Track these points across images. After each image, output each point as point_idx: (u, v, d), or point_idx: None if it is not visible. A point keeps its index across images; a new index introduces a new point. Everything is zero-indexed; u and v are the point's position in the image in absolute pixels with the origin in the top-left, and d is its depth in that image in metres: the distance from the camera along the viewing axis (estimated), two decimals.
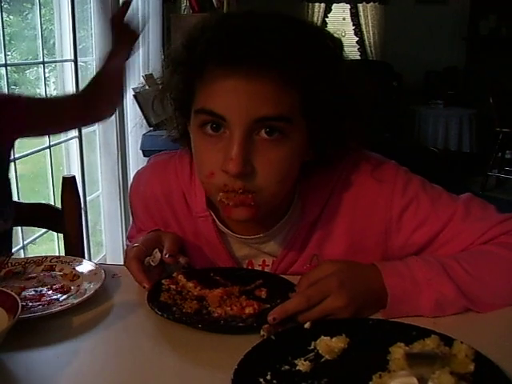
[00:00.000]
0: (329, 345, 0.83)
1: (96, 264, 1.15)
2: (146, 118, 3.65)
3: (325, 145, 1.03)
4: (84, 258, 1.44)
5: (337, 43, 1.02)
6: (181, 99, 1.04)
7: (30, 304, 1.00)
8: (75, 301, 1.00)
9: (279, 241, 1.15)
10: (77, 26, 3.19)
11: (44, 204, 1.74)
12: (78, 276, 1.11)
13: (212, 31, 0.96)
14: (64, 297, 1.04)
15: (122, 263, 1.13)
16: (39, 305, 1.00)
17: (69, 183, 1.61)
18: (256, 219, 1.03)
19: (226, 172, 0.95)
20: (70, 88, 3.25)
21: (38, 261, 1.18)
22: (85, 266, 1.15)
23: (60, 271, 1.14)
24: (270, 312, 0.91)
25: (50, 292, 1.06)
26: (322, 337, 0.85)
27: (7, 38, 2.85)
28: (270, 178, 0.97)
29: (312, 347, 0.84)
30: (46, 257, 1.19)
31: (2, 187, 1.43)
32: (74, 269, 1.14)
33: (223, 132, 0.96)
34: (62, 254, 1.63)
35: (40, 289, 1.07)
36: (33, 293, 1.05)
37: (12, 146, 1.54)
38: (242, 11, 1.00)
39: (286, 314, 0.91)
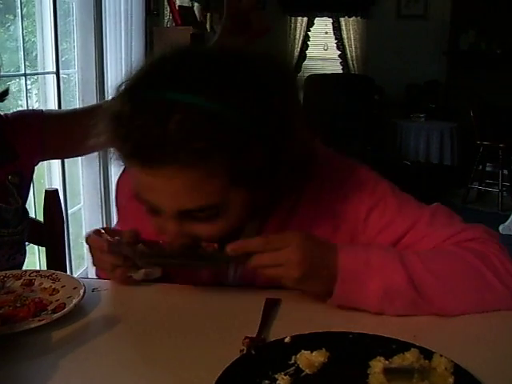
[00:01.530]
0: (309, 359, 0.83)
1: (76, 278, 1.14)
2: None
3: (272, 191, 1.02)
4: (66, 271, 1.43)
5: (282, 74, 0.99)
6: None
7: (9, 319, 0.99)
8: (54, 315, 0.99)
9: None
10: (59, 38, 3.18)
11: None
12: (57, 290, 1.10)
13: (125, 129, 0.90)
14: (43, 311, 1.02)
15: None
16: (18, 320, 0.99)
17: (52, 197, 1.60)
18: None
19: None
20: (52, 100, 3.24)
21: (17, 275, 1.17)
22: (64, 280, 1.14)
23: (39, 285, 1.13)
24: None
25: (29, 307, 1.04)
26: (303, 351, 0.85)
27: None
28: (213, 239, 1.01)
29: (292, 361, 0.84)
30: (25, 271, 1.18)
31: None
32: (54, 283, 1.13)
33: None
34: (44, 267, 1.62)
35: (19, 303, 1.06)
36: (11, 308, 1.04)
37: (33, 170, 1.51)
38: (160, 94, 0.90)
39: (244, 249, 0.95)
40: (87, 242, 1.12)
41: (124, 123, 0.90)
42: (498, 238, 1.12)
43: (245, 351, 0.87)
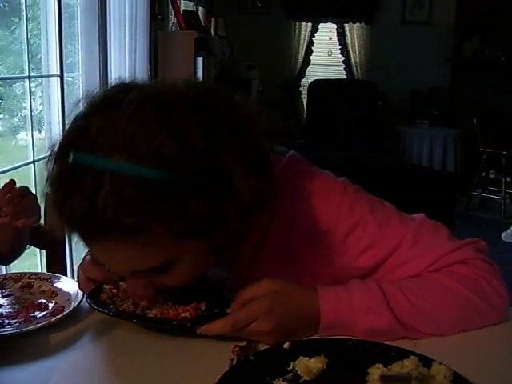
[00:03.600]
0: (307, 365, 0.83)
1: (75, 281, 1.14)
2: None
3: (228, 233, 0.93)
4: (66, 274, 1.43)
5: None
6: None
7: (7, 321, 0.99)
8: (53, 318, 0.99)
9: (225, 265, 1.13)
10: (64, 41, 3.19)
11: None
12: (56, 293, 1.10)
13: (57, 204, 0.87)
14: (41, 314, 1.02)
15: None
16: (16, 322, 0.99)
17: None
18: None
19: None
20: (56, 103, 3.25)
21: (16, 277, 1.17)
22: (63, 283, 1.14)
23: (38, 288, 1.13)
24: (203, 323, 0.93)
25: (27, 309, 1.04)
26: (301, 357, 0.84)
27: None
28: (179, 286, 0.97)
29: (290, 368, 0.84)
30: (25, 273, 1.18)
31: None
32: (53, 286, 1.13)
33: None
34: (45, 269, 1.62)
35: (17, 306, 1.06)
36: (10, 310, 1.04)
37: None
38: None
39: (211, 333, 0.92)
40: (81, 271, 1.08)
41: (56, 197, 0.87)
42: (487, 252, 1.07)
43: (235, 360, 0.86)
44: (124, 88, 0.90)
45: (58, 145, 0.89)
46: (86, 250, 1.05)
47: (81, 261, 1.09)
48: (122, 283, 1.05)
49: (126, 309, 1.00)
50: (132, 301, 1.02)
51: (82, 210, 0.82)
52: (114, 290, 1.04)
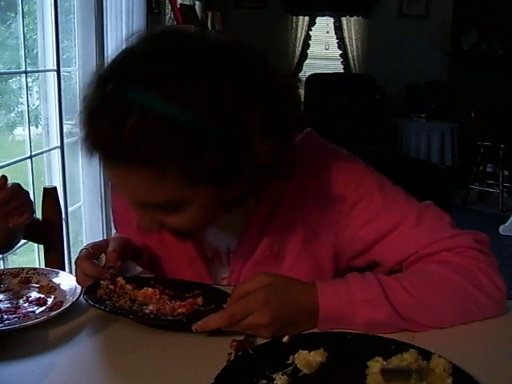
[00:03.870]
0: (307, 359, 0.83)
1: (73, 276, 1.14)
2: None
3: (241, 184, 0.96)
4: (64, 269, 1.43)
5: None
6: None
7: (6, 317, 0.99)
8: (51, 313, 0.99)
9: (244, 222, 1.15)
10: (60, 35, 3.17)
11: None
12: (54, 288, 1.10)
13: (87, 125, 0.92)
14: (40, 309, 1.02)
15: None
16: (15, 317, 0.99)
17: (49, 194, 1.60)
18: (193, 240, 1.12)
19: None
20: (53, 98, 3.24)
21: (15, 273, 1.16)
22: (62, 278, 1.14)
23: (36, 283, 1.13)
24: (199, 318, 0.93)
25: (26, 304, 1.04)
26: (301, 351, 0.84)
27: None
28: (181, 229, 1.01)
29: (290, 361, 0.84)
30: (23, 268, 1.18)
31: None
32: (51, 281, 1.13)
33: None
34: (43, 264, 1.61)
35: (16, 301, 1.06)
36: (8, 305, 1.04)
37: None
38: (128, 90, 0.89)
39: (207, 328, 0.92)
40: (76, 266, 1.09)
41: (87, 119, 0.92)
42: (487, 244, 1.09)
43: (233, 355, 0.86)
44: (168, 34, 0.95)
45: (98, 74, 0.94)
46: (84, 245, 1.06)
47: (78, 255, 1.09)
48: (119, 279, 1.05)
49: (122, 305, 1.00)
50: (129, 296, 1.03)
51: (108, 133, 0.87)
52: (111, 286, 1.04)
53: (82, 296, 1.04)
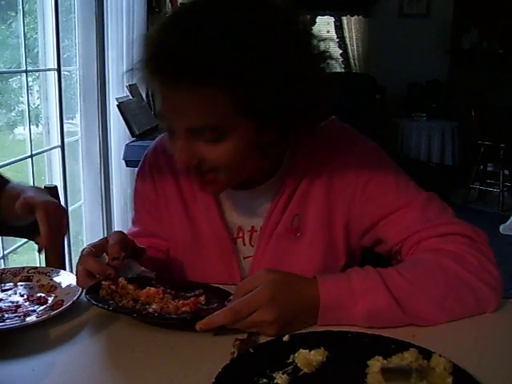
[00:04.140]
0: (307, 358, 0.83)
1: (74, 275, 1.14)
2: (129, 127, 3.64)
3: (279, 126, 1.07)
4: (65, 268, 1.43)
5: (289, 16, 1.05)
6: None
7: (6, 315, 0.99)
8: (52, 312, 0.99)
9: (268, 198, 1.22)
10: (61, 35, 3.17)
11: None
12: (55, 287, 1.10)
13: (146, 43, 1.01)
14: (41, 308, 1.02)
15: None
16: (15, 316, 0.99)
17: (50, 193, 1.59)
18: (221, 192, 1.19)
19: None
20: (53, 97, 3.24)
21: (15, 272, 1.17)
22: (62, 277, 1.14)
23: (37, 282, 1.13)
24: (203, 316, 0.93)
25: (26, 303, 1.05)
26: (301, 350, 0.84)
27: None
28: (219, 166, 1.06)
29: (290, 360, 0.84)
30: (23, 267, 1.18)
31: None
32: (52, 280, 1.13)
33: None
34: (43, 264, 1.61)
35: (17, 300, 1.06)
36: (9, 304, 1.04)
37: None
38: (179, 14, 1.04)
39: (212, 326, 0.93)
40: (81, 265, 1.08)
41: (147, 41, 1.01)
42: (485, 238, 1.13)
43: (235, 353, 0.86)
44: None
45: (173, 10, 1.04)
46: (85, 245, 1.06)
47: (79, 255, 1.09)
48: (120, 279, 1.05)
49: (125, 304, 1.01)
50: (131, 296, 1.03)
51: (177, 49, 0.96)
52: (112, 287, 1.04)
53: (83, 296, 1.04)
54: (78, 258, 1.08)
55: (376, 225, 1.17)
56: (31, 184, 3.06)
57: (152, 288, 1.04)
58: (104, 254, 1.10)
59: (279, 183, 1.21)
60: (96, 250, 1.09)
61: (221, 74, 0.96)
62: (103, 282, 1.04)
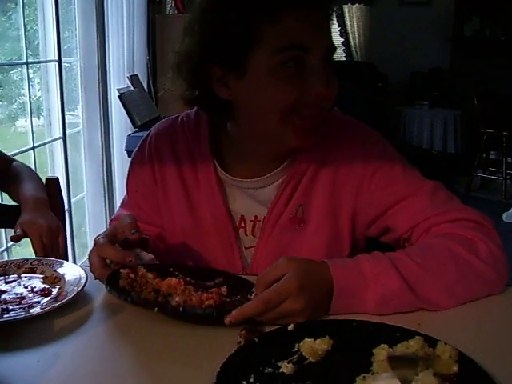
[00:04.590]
0: (312, 347, 0.83)
1: (78, 266, 1.14)
2: (130, 118, 3.64)
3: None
4: (68, 260, 1.43)
5: None
6: (232, 49, 1.07)
7: (11, 307, 0.99)
8: (56, 304, 0.99)
9: (273, 188, 1.22)
10: (61, 26, 3.17)
11: None
12: (59, 278, 1.10)
13: None
14: (45, 300, 1.02)
15: None
16: (20, 308, 0.99)
17: (52, 185, 1.60)
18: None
19: (315, 96, 1.06)
20: (54, 89, 3.23)
21: (19, 263, 1.16)
22: (66, 269, 1.14)
23: (41, 274, 1.13)
24: (228, 310, 0.92)
25: (30, 295, 1.04)
26: (306, 339, 0.84)
27: None
28: (332, 102, 1.11)
29: (296, 349, 0.84)
30: (27, 259, 1.18)
31: None
32: (55, 271, 1.13)
33: (302, 66, 1.06)
34: None
35: (21, 292, 1.06)
36: (13, 296, 1.04)
37: None
38: None
39: (242, 317, 0.92)
40: (97, 254, 1.07)
41: None
42: (492, 224, 1.14)
43: (242, 343, 0.86)
44: None
45: None
46: (88, 237, 1.05)
47: (92, 247, 1.08)
48: (139, 267, 1.04)
49: (147, 296, 0.99)
50: (152, 286, 1.01)
51: None
52: (131, 275, 1.02)
53: (86, 286, 1.04)
54: (83, 249, 1.07)
55: (384, 214, 1.18)
56: None
57: (173, 278, 1.02)
58: (116, 245, 1.09)
59: (284, 173, 1.21)
60: (109, 239, 1.08)
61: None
62: (121, 271, 1.03)
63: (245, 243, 1.25)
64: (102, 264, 1.05)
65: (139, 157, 1.31)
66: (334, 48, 1.10)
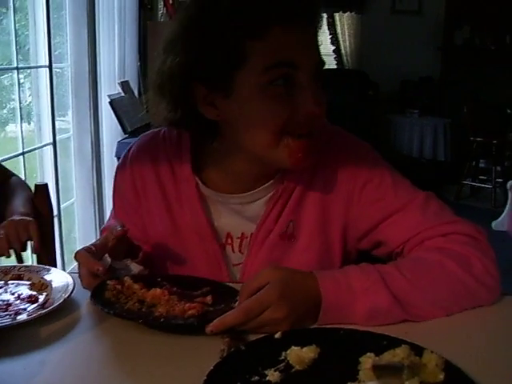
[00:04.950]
0: (299, 355, 0.83)
1: (65, 273, 1.14)
2: (121, 124, 3.63)
3: None
4: (56, 266, 1.43)
5: None
6: (217, 68, 1.03)
7: None
8: (43, 311, 0.98)
9: (261, 204, 1.18)
10: (52, 31, 3.16)
11: None
12: (46, 285, 1.10)
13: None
14: (32, 306, 1.02)
15: None
16: (6, 315, 0.98)
17: (41, 191, 1.60)
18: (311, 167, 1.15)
19: (305, 115, 1.03)
20: (45, 94, 3.22)
21: (6, 270, 1.16)
22: (53, 275, 1.13)
23: (28, 280, 1.13)
24: (210, 319, 0.92)
25: (17, 302, 1.04)
26: (293, 347, 0.84)
27: None
28: (322, 119, 1.08)
29: (282, 357, 0.84)
30: (14, 266, 1.18)
31: None
32: (43, 278, 1.12)
33: (291, 84, 1.03)
34: (35, 261, 1.61)
35: (7, 298, 1.05)
36: (0, 303, 1.03)
37: None
38: None
39: (224, 326, 0.91)
40: (76, 259, 1.07)
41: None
42: (487, 237, 1.12)
43: (225, 351, 0.86)
44: None
45: None
46: (77, 242, 1.05)
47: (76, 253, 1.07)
48: (126, 278, 1.05)
49: (131, 307, 0.99)
50: (137, 297, 1.01)
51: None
52: (118, 286, 1.03)
53: (74, 293, 1.04)
54: (72, 255, 1.07)
55: (375, 228, 1.16)
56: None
57: (158, 289, 1.02)
58: (106, 255, 1.09)
59: (272, 188, 1.18)
60: (95, 248, 1.07)
61: (319, 15, 1.10)
62: (108, 282, 1.03)
63: (232, 260, 1.22)
64: (89, 273, 1.05)
65: (121, 173, 1.27)
66: (322, 63, 1.08)
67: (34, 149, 3.25)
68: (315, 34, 1.09)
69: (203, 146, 1.18)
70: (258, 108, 1.03)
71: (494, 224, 4.96)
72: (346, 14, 6.73)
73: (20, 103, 3.14)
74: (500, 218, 4.98)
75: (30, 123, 3.40)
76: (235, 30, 1.00)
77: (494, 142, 5.69)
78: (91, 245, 1.09)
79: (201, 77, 1.04)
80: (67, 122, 3.68)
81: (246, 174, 1.16)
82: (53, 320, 0.99)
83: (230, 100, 1.04)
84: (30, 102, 3.40)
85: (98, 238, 1.13)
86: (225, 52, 1.01)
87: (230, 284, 1.10)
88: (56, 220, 3.24)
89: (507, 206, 4.95)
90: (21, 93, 3.17)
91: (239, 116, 1.05)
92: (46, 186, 1.60)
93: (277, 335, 0.88)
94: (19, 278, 1.14)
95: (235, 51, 1.01)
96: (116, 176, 1.30)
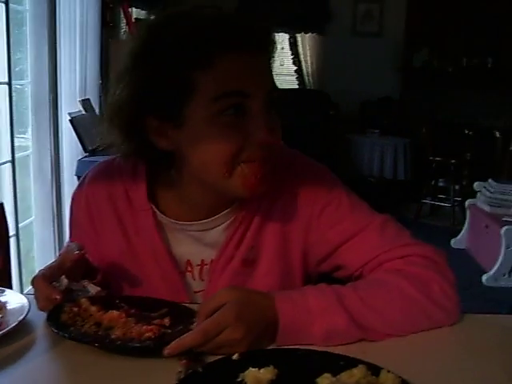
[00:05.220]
0: (257, 376, 0.82)
1: (21, 294, 1.11)
2: (81, 143, 3.60)
3: None
4: (11, 287, 1.40)
5: None
6: (166, 99, 1.02)
7: None
8: None
9: (220, 230, 1.17)
10: (12, 48, 3.12)
11: None
12: (0, 307, 1.07)
13: (212, 22, 1.00)
14: None
15: None
16: None
17: None
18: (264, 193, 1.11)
19: (258, 144, 1.02)
20: (4, 111, 3.18)
21: None
22: (8, 297, 1.10)
23: None
24: (167, 342, 0.91)
25: None
26: (250, 368, 0.84)
27: None
28: (278, 147, 1.07)
29: (240, 379, 0.83)
30: None
31: None
32: None
33: (242, 113, 1.01)
34: None
35: None
36: None
37: None
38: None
39: (181, 348, 0.90)
40: (33, 286, 1.05)
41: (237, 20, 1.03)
42: (445, 258, 1.14)
43: (183, 373, 0.85)
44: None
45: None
46: (36, 262, 1.04)
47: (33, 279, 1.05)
48: (83, 301, 1.03)
49: (88, 330, 0.97)
50: (94, 320, 1.00)
51: (260, 30, 1.04)
52: (75, 309, 1.01)
53: (29, 314, 1.02)
54: (30, 275, 1.05)
55: (334, 252, 1.16)
56: None
57: (115, 311, 1.01)
58: (63, 276, 1.07)
59: (232, 215, 1.17)
60: (51, 271, 1.05)
61: (270, 41, 1.06)
62: (65, 304, 1.01)
63: (193, 287, 1.21)
64: (44, 296, 1.03)
65: (77, 202, 1.25)
66: (276, 91, 1.06)
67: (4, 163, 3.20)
68: (267, 61, 1.06)
69: (159, 173, 1.17)
70: (209, 138, 1.02)
71: (453, 242, 5.04)
72: (308, 35, 6.81)
73: None
74: (459, 236, 5.07)
75: None
76: (180, 61, 0.98)
77: (453, 161, 5.80)
78: (48, 266, 1.07)
79: (150, 108, 1.03)
80: (27, 140, 3.63)
81: (202, 202, 1.15)
82: (6, 343, 0.96)
83: (181, 130, 1.03)
84: None
85: (56, 257, 1.11)
86: (172, 84, 1.00)
87: (189, 305, 1.09)
88: (14, 239, 3.18)
89: (466, 225, 5.06)
90: None
91: (191, 147, 1.04)
92: (1, 205, 1.57)
93: (234, 356, 0.88)
94: None
95: (182, 83, 0.99)
96: (72, 206, 1.27)
